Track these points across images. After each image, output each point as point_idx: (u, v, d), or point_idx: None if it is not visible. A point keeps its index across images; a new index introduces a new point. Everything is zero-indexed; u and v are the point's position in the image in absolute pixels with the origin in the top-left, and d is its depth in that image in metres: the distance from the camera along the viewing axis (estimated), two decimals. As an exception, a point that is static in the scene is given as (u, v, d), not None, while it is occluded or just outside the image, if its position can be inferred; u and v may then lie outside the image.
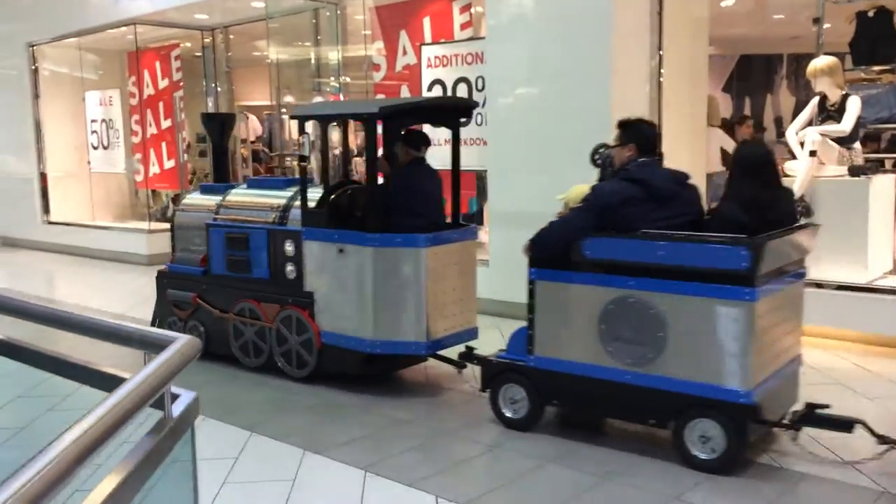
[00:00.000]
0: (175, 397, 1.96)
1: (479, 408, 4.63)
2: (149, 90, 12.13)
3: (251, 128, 13.49)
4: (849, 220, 5.82)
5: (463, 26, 8.22)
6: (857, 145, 6.19)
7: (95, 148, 12.49)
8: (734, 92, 12.88)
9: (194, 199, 6.42)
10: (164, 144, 11.86)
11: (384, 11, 9.01)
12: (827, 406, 3.98)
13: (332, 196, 5.23)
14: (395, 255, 4.89)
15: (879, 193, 5.99)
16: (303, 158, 5.48)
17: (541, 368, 4.23)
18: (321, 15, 9.74)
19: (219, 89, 11.42)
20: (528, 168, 6.90)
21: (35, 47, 12.34)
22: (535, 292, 4.21)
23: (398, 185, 5.22)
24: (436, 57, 8.34)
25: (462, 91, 8.10)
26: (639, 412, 4.01)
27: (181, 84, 11.74)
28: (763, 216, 3.86)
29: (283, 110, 11.08)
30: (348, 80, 9.96)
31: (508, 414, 4.40)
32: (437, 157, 5.86)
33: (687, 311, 3.76)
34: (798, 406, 4.08)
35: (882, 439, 3.86)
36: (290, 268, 5.36)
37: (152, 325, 6.31)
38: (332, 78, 9.82)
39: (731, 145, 8.26)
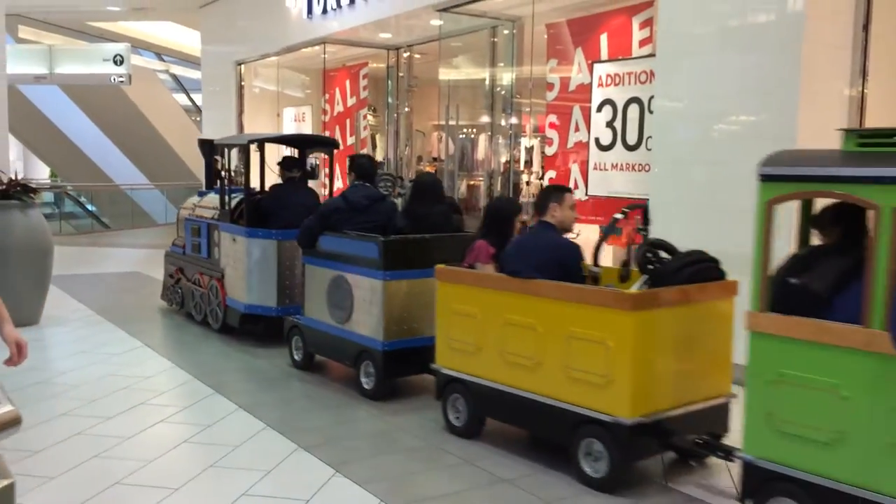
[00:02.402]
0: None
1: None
2: (339, 107, 12.54)
3: (436, 145, 13.44)
4: None
5: (642, 43, 7.53)
6: None
7: (288, 162, 13.07)
8: None
9: (190, 200, 8.63)
10: (347, 160, 12.14)
11: (560, 28, 8.52)
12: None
13: (238, 201, 7.29)
14: (258, 245, 6.92)
15: None
16: (218, 174, 7.70)
17: (306, 325, 6.11)
18: (499, 33, 9.44)
19: (402, 107, 11.47)
20: (697, 199, 6.10)
21: (242, 66, 13.16)
22: (305, 272, 6.17)
23: (269, 196, 7.30)
24: (607, 75, 7.72)
25: (633, 112, 7.43)
26: (345, 357, 5.69)
27: (367, 102, 11.99)
28: (420, 225, 5.61)
29: (467, 131, 10.92)
30: (522, 99, 9.59)
31: (296, 357, 6.24)
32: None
33: (358, 285, 5.52)
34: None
35: None
36: (215, 250, 7.54)
37: (162, 289, 8.81)
38: (507, 97, 9.48)
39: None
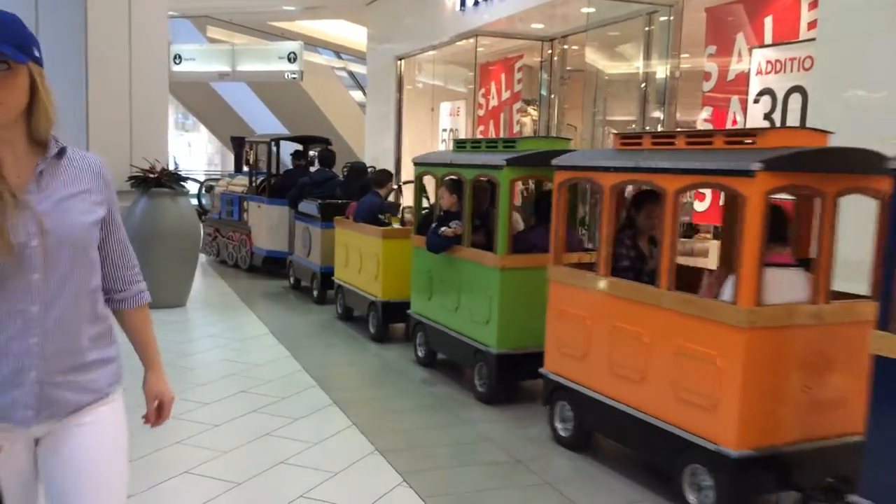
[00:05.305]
0: None
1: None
2: (493, 101, 12.31)
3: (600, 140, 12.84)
4: None
5: (811, 26, 6.66)
6: None
7: (442, 156, 13.04)
8: None
9: (223, 181, 12.42)
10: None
11: (719, 12, 7.77)
12: None
13: (262, 180, 10.71)
14: (276, 210, 10.08)
15: None
16: (246, 162, 11.64)
17: (294, 260, 9.50)
18: (654, 20, 8.78)
19: (554, 101, 11.05)
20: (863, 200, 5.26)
21: (402, 61, 13.29)
22: (296, 226, 9.39)
23: (282, 177, 10.37)
24: (767, 62, 6.90)
25: (795, 102, 6.58)
26: (308, 278, 9.01)
27: (520, 95, 11.67)
28: (348, 195, 8.40)
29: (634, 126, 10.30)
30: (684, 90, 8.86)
31: (291, 282, 9.58)
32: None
33: (314, 233, 8.69)
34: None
35: None
36: (244, 215, 10.87)
37: (202, 244, 10.65)
38: (661, 89, 8.80)
39: None
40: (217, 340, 6.82)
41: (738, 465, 3.28)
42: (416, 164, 6.47)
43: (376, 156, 13.95)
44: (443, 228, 5.53)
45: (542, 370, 4.56)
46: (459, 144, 6.12)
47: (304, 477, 3.90)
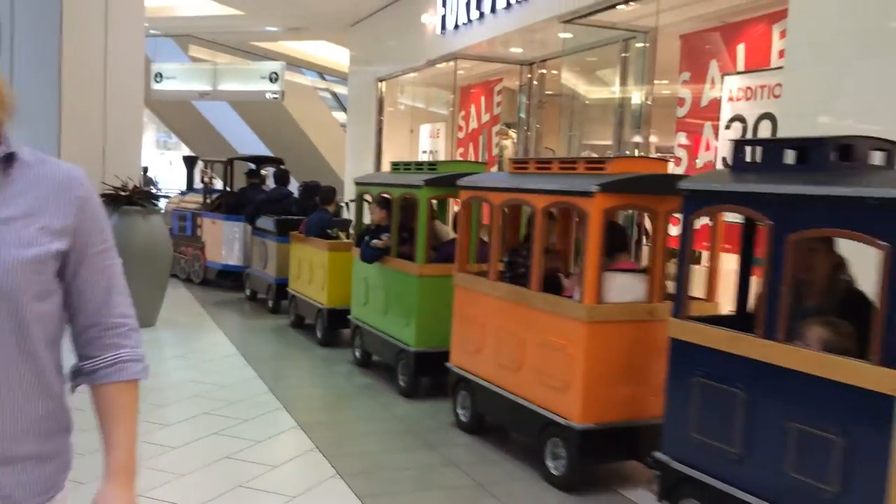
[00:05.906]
0: None
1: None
2: (473, 124, 12.35)
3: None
4: None
5: (782, 54, 6.73)
6: None
7: (422, 178, 13.04)
8: None
9: (174, 198, 12.78)
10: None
11: (694, 39, 7.85)
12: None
13: (217, 196, 11.39)
14: (231, 225, 10.58)
15: None
16: (202, 180, 12.13)
17: (251, 273, 10.10)
18: (630, 46, 8.85)
19: (532, 124, 11.09)
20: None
21: (382, 82, 13.32)
22: (253, 241, 10.06)
23: (238, 194, 10.85)
24: (738, 89, 6.97)
25: (765, 129, 6.63)
26: (263, 290, 9.65)
27: (500, 118, 11.71)
28: (303, 211, 9.03)
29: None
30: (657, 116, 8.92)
31: (247, 293, 10.20)
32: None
33: (270, 247, 9.32)
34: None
35: None
36: (198, 230, 11.24)
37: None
38: (637, 114, 8.85)
39: None
40: (184, 361, 6.73)
41: (582, 436, 3.97)
42: (357, 183, 7.14)
43: (357, 176, 13.92)
44: (374, 241, 6.10)
45: (448, 364, 5.17)
46: (395, 166, 6.70)
47: (261, 501, 3.83)
